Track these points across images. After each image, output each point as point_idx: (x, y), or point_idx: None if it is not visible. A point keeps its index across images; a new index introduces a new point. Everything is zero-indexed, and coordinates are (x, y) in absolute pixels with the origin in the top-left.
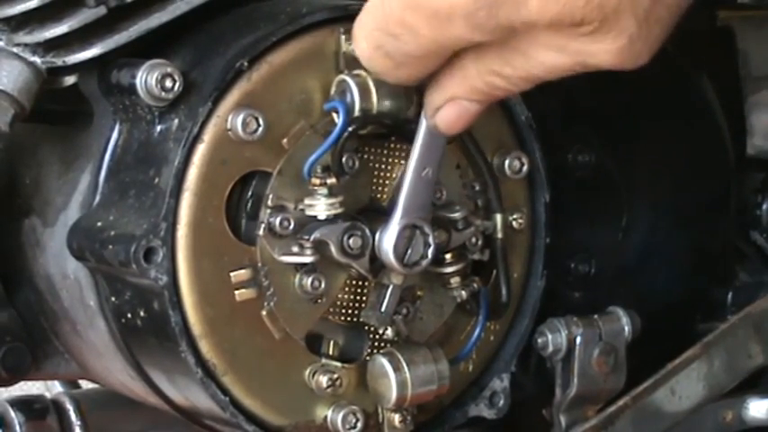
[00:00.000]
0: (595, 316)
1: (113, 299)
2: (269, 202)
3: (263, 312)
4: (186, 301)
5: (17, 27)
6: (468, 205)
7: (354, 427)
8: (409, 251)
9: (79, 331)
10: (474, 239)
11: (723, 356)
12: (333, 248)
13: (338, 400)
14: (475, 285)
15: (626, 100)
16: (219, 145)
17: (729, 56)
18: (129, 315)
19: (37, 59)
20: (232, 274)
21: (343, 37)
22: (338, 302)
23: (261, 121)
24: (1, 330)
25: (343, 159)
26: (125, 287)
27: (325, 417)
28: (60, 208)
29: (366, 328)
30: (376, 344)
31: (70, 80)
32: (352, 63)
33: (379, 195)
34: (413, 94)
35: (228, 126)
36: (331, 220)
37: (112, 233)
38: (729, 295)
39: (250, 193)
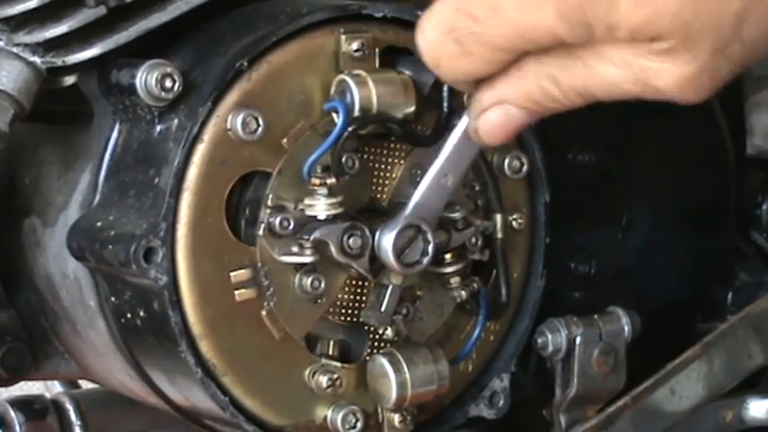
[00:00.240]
0: (595, 316)
1: (113, 299)
2: (269, 202)
3: (263, 312)
4: (186, 301)
5: (17, 27)
6: (468, 205)
7: (354, 427)
8: (408, 251)
9: (79, 331)
10: (474, 239)
11: (723, 356)
12: (332, 248)
13: (338, 400)
14: (475, 285)
15: (626, 99)
16: (219, 145)
17: None
18: (129, 315)
19: (37, 59)
20: (232, 274)
21: (343, 37)
22: (338, 302)
23: (260, 121)
24: (1, 330)
25: (343, 159)
26: (125, 287)
27: (325, 417)
28: (60, 208)
29: (366, 328)
30: (376, 344)
31: (70, 80)
32: (352, 63)
33: (378, 195)
34: (413, 94)
35: (228, 126)
36: (331, 220)
37: (112, 233)
38: (729, 295)
39: (250, 193)
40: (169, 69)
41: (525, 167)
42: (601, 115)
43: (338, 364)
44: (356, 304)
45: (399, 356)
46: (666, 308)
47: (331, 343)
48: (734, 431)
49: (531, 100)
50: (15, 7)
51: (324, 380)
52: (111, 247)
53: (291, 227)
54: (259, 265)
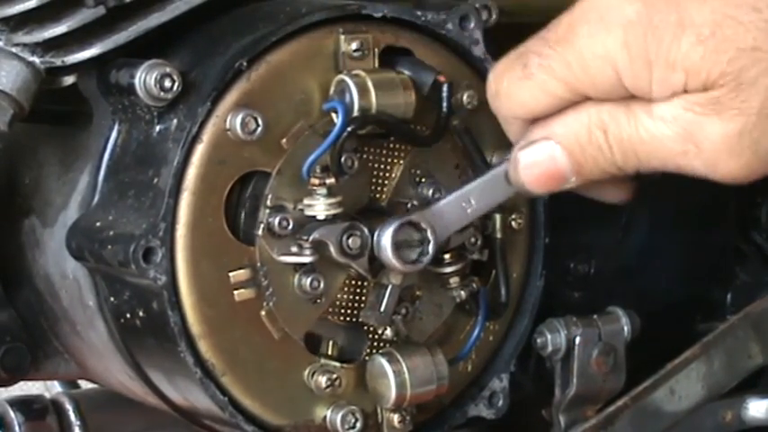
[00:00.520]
0: (595, 316)
1: (112, 299)
2: (268, 202)
3: (263, 312)
4: (185, 302)
5: (16, 27)
6: None
7: (353, 427)
8: (408, 250)
9: (78, 331)
10: (473, 239)
11: (723, 356)
12: (332, 248)
13: (337, 400)
14: (474, 285)
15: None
16: (218, 145)
17: None
18: (128, 315)
19: (36, 59)
20: (231, 274)
21: (342, 37)
22: (337, 302)
23: (260, 121)
24: (1, 330)
25: (343, 159)
26: (124, 287)
27: (325, 417)
28: (60, 208)
29: (365, 328)
30: (375, 344)
31: (69, 80)
32: (352, 63)
33: (378, 195)
34: (412, 94)
35: (227, 126)
36: (330, 221)
37: (111, 233)
38: (729, 295)
39: (249, 193)
40: (168, 69)
41: None
42: None
43: (337, 364)
44: (355, 304)
45: (399, 356)
46: (666, 308)
47: (330, 343)
48: (734, 431)
49: (578, 143)
50: (14, 7)
51: (323, 380)
52: (110, 247)
53: (291, 227)
54: (258, 265)
